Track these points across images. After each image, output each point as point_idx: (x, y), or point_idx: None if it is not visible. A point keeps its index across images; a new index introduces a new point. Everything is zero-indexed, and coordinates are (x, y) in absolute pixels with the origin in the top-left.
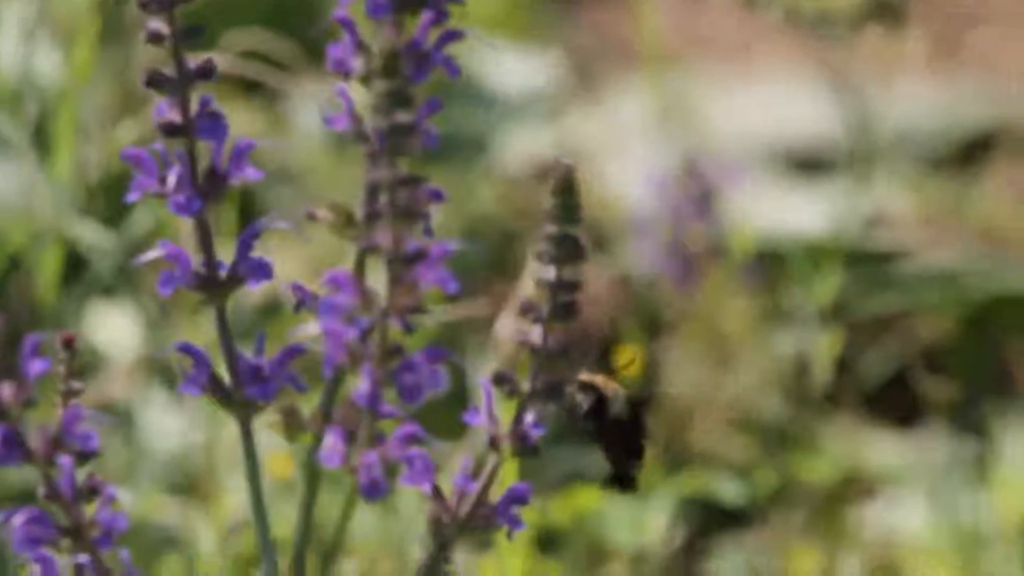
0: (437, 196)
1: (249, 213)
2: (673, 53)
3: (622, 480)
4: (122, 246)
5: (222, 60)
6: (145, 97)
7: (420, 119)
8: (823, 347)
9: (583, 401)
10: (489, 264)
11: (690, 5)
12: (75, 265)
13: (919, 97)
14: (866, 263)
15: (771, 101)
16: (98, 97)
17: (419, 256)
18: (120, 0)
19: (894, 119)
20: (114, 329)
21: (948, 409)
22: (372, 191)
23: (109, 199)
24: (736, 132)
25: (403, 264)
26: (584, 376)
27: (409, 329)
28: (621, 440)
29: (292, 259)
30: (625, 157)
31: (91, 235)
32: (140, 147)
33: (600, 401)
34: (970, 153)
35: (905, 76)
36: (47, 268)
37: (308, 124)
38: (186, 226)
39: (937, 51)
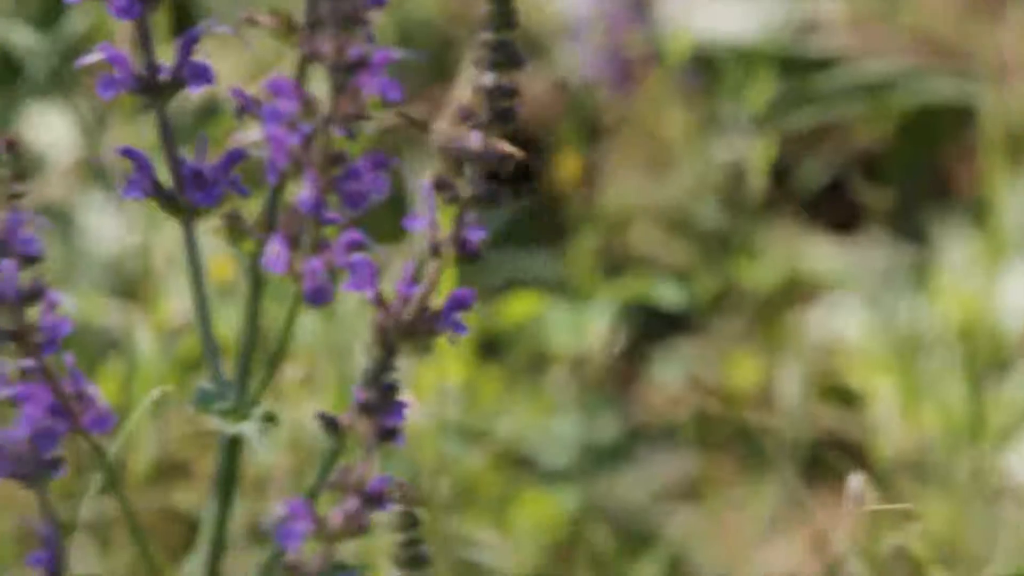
0: (378, 2)
1: (186, 20)
2: None
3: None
4: (56, 49)
5: None
6: None
7: None
8: (757, 154)
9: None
10: (427, 70)
11: None
12: (9, 68)
13: None
14: (801, 70)
15: None
16: None
17: (361, 63)
18: None
19: None
20: (50, 132)
21: (886, 215)
22: None
23: (42, 1)
24: None
25: (346, 71)
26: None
27: (352, 136)
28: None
29: (232, 64)
30: None
31: (24, 38)
32: None
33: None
34: None
35: None
36: None
37: None
38: (123, 29)
39: None
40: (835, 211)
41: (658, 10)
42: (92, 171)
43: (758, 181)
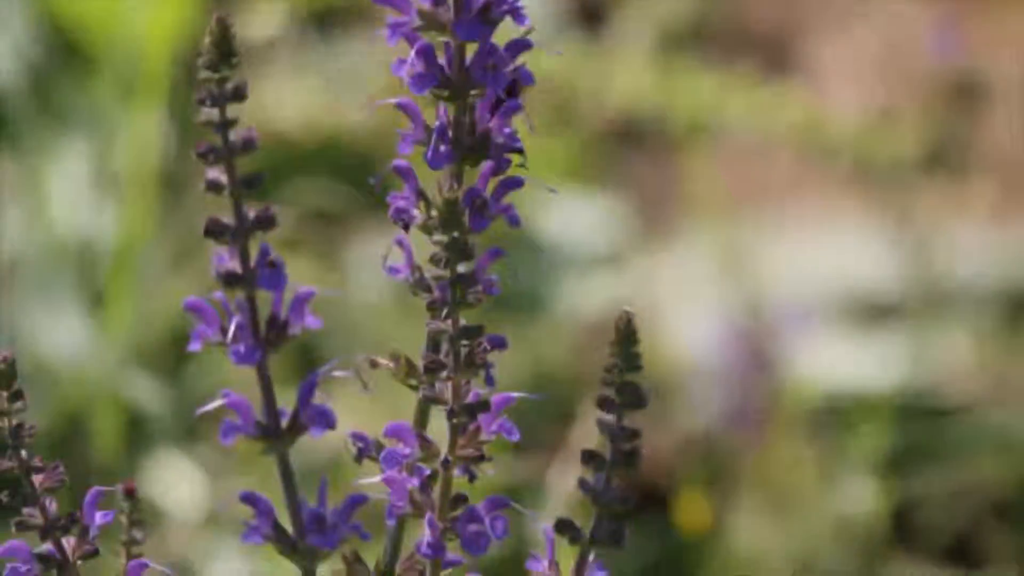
0: (499, 345)
1: (309, 363)
2: (733, 202)
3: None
4: (181, 398)
5: (282, 212)
6: (206, 248)
7: (480, 269)
8: (887, 501)
9: None
10: (554, 414)
11: (748, 152)
12: (137, 417)
13: (980, 246)
14: (929, 417)
15: (832, 249)
16: (160, 249)
17: (480, 406)
18: (180, 152)
19: (956, 268)
20: (175, 482)
21: (1014, 561)
22: (434, 341)
23: (173, 350)
24: (797, 280)
25: (464, 414)
26: None
27: (472, 478)
28: None
29: (356, 408)
30: (689, 306)
31: (148, 391)
32: (201, 297)
33: None
34: None
35: (966, 225)
36: (107, 423)
37: (366, 274)
38: (247, 375)
39: (1000, 200)
40: (964, 557)
41: (784, 357)
42: (216, 520)
43: (887, 527)
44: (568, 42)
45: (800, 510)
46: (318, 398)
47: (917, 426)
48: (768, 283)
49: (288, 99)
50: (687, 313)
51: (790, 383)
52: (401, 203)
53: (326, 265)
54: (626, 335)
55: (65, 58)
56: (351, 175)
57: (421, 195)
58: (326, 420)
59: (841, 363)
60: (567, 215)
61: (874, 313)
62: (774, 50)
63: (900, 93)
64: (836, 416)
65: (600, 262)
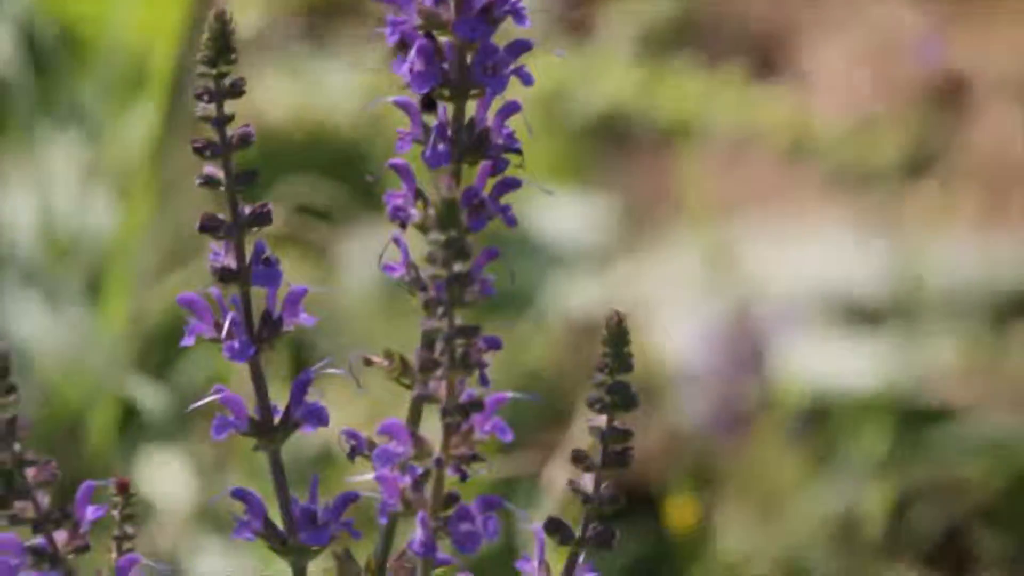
0: (494, 345)
1: (303, 361)
2: (720, 204)
3: None
4: (175, 394)
5: (276, 209)
6: (201, 244)
7: (477, 269)
8: (874, 502)
9: None
10: (542, 414)
11: (735, 153)
12: (130, 412)
13: (966, 251)
14: (915, 420)
15: (818, 251)
16: (155, 245)
17: (474, 405)
18: (177, 147)
19: (941, 273)
20: (167, 477)
21: (1001, 564)
22: (428, 340)
23: (166, 346)
24: (784, 281)
25: (458, 413)
26: None
27: (464, 477)
28: None
29: (350, 406)
30: (676, 307)
31: (143, 388)
32: (195, 293)
33: None
34: (1017, 309)
35: (952, 229)
36: (100, 418)
37: (356, 271)
38: (241, 372)
39: (985, 204)
40: (951, 558)
41: (771, 359)
42: (206, 516)
43: (874, 528)
44: (560, 44)
45: (787, 511)
46: (311, 395)
47: (904, 428)
48: (755, 284)
49: (279, 95)
50: (674, 313)
51: (777, 384)
52: (399, 201)
53: (316, 261)
54: (617, 335)
55: (64, 52)
56: (341, 171)
57: (419, 194)
58: (319, 417)
59: (828, 365)
60: (555, 215)
61: (860, 316)
62: (763, 52)
63: (888, 97)
64: (823, 417)
65: (588, 262)
